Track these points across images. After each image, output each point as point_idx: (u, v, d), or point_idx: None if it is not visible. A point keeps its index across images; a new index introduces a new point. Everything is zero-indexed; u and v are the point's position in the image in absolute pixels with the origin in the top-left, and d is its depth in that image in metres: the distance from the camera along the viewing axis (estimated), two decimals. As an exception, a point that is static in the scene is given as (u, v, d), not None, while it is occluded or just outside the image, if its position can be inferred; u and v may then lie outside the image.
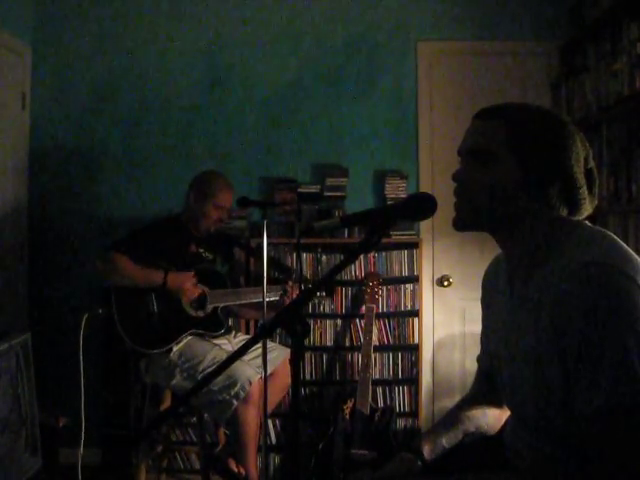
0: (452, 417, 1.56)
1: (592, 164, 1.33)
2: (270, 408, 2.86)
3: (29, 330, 3.24)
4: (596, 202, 1.35)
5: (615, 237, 1.28)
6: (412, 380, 3.45)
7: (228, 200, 3.00)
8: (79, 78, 3.68)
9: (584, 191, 1.31)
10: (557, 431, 1.25)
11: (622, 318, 1.12)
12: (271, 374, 2.84)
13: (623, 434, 1.10)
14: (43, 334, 3.39)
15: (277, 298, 3.01)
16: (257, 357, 2.76)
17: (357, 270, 3.46)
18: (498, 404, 1.56)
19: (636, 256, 1.23)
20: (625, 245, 1.26)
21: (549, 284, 1.23)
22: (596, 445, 1.13)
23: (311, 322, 3.43)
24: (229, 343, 3.01)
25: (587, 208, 1.34)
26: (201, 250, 3.05)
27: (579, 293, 1.16)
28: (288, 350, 2.89)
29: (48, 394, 3.30)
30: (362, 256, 3.41)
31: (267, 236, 2.73)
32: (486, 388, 1.58)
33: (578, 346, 1.15)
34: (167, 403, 3.04)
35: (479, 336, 1.61)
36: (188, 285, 2.87)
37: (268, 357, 2.69)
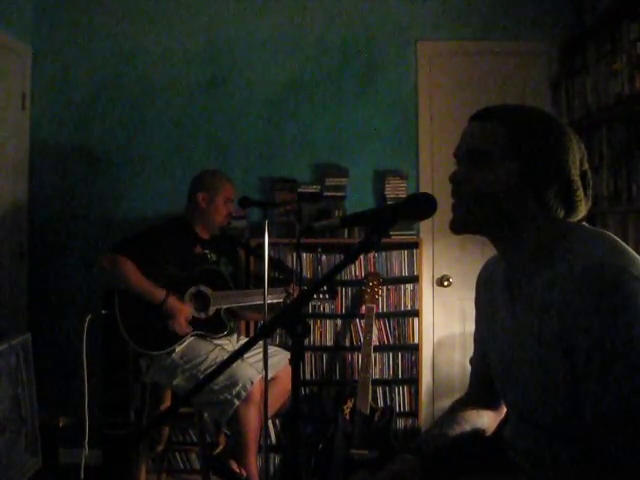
0: (449, 418, 1.56)
1: (586, 166, 1.33)
2: (271, 412, 2.86)
3: (29, 330, 3.24)
4: (590, 204, 1.35)
5: (616, 237, 1.28)
6: (412, 380, 3.45)
7: (233, 192, 3.08)
8: (79, 78, 3.68)
9: (581, 193, 1.31)
10: (563, 431, 1.25)
11: (632, 319, 1.12)
12: (273, 378, 2.84)
13: (634, 435, 1.10)
14: (43, 334, 3.39)
15: (280, 300, 3.01)
16: (259, 361, 2.76)
17: (357, 270, 3.46)
18: (493, 406, 1.56)
19: (638, 256, 1.23)
20: (626, 245, 1.26)
21: (554, 286, 1.23)
22: (606, 446, 1.13)
23: (311, 322, 3.43)
24: (231, 344, 3.02)
25: (583, 210, 1.34)
26: (206, 251, 3.06)
27: (588, 295, 1.16)
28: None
29: (48, 394, 3.30)
30: (362, 256, 3.41)
31: (268, 236, 2.73)
32: (481, 390, 1.58)
33: (588, 347, 1.15)
34: (167, 403, 3.04)
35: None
36: (181, 319, 2.86)
37: (270, 361, 2.70)
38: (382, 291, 3.35)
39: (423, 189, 3.55)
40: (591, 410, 1.15)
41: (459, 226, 1.34)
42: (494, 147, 1.28)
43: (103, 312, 2.82)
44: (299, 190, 3.56)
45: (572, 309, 1.18)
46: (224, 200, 3.03)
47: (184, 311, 2.87)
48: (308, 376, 3.44)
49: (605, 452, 1.14)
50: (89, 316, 2.79)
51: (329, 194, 3.56)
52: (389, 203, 3.48)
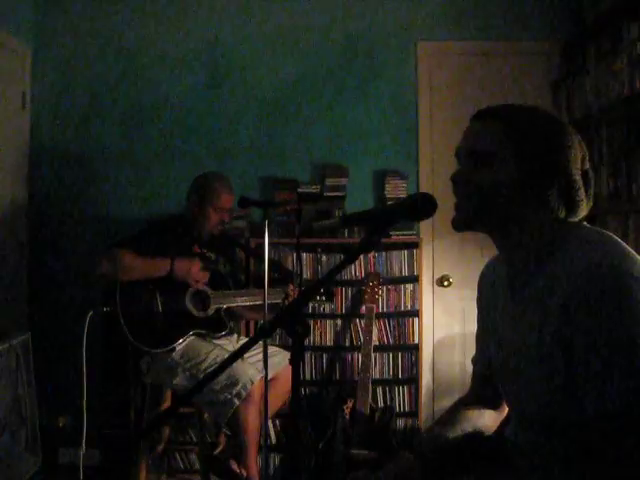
0: (450, 417, 1.56)
1: (588, 165, 1.34)
2: (271, 412, 2.86)
3: (29, 330, 3.25)
4: (591, 204, 1.35)
5: (616, 237, 1.28)
6: (412, 380, 3.45)
7: (228, 202, 3.00)
8: (79, 78, 3.68)
9: (582, 192, 1.31)
10: (562, 431, 1.25)
11: (631, 319, 1.12)
12: (273, 378, 2.84)
13: (633, 435, 1.11)
14: (43, 334, 3.39)
15: (279, 301, 3.01)
16: (259, 361, 2.76)
17: (357, 270, 3.46)
18: (494, 405, 1.56)
19: (638, 256, 1.23)
20: (627, 245, 1.26)
21: (555, 286, 1.23)
22: (605, 445, 1.13)
23: (311, 322, 3.43)
24: (231, 344, 3.02)
25: (584, 209, 1.34)
26: (204, 250, 3.06)
27: (587, 294, 1.16)
28: (290, 354, 2.88)
29: (48, 394, 3.31)
30: (362, 256, 3.41)
31: (268, 236, 2.73)
32: (483, 390, 1.58)
33: (587, 347, 1.15)
34: (167, 403, 3.04)
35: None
36: (195, 270, 2.88)
37: (270, 362, 2.70)
38: (382, 291, 3.35)
39: (423, 189, 3.55)
40: (591, 409, 1.15)
41: (461, 224, 1.34)
42: (495, 147, 1.29)
43: (105, 309, 2.82)
44: (299, 190, 3.55)
45: (572, 308, 1.18)
46: (214, 209, 2.97)
47: (193, 264, 2.88)
48: (308, 376, 3.44)
49: (604, 451, 1.14)
50: (90, 313, 2.79)
51: (329, 194, 3.56)
52: (389, 203, 3.48)
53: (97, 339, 3.17)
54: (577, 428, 1.20)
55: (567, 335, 1.19)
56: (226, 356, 2.73)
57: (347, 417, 3.13)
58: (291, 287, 3.03)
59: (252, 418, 2.77)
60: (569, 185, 1.29)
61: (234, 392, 2.71)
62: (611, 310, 1.13)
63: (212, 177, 3.05)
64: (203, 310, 2.95)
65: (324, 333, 3.46)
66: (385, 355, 3.45)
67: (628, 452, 1.11)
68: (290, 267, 3.40)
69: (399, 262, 3.48)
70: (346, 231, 3.51)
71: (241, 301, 3.01)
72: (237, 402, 2.71)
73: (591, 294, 1.15)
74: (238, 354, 1.17)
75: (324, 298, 3.14)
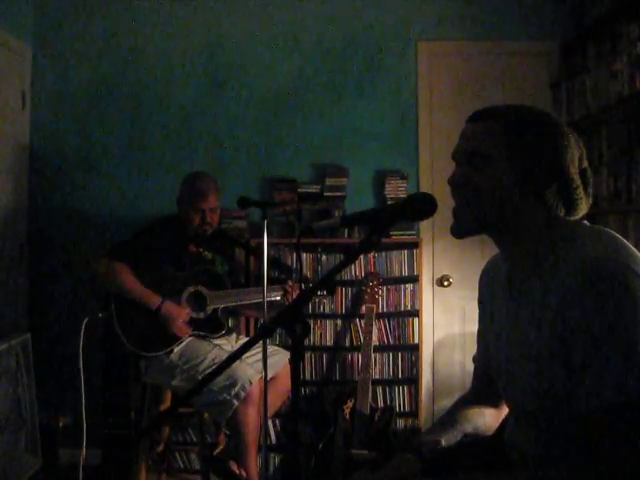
0: (450, 417, 1.56)
1: (586, 164, 1.34)
2: (271, 412, 2.86)
3: (29, 330, 3.25)
4: (591, 202, 1.35)
5: (616, 234, 1.28)
6: (412, 380, 3.45)
7: (208, 202, 2.95)
8: (79, 78, 3.68)
9: (580, 191, 1.31)
10: (560, 428, 1.25)
11: (630, 313, 1.13)
12: (272, 378, 2.84)
13: (631, 429, 1.11)
14: (43, 334, 3.39)
15: (278, 298, 3.00)
16: (258, 361, 2.76)
17: (357, 270, 3.46)
18: (495, 404, 1.56)
19: (638, 252, 1.23)
20: (627, 241, 1.26)
21: (553, 283, 1.24)
22: (603, 441, 1.13)
23: (311, 322, 3.43)
24: (229, 344, 3.01)
25: (583, 208, 1.34)
26: (200, 250, 3.05)
27: (586, 289, 1.16)
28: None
29: (48, 394, 3.31)
30: (362, 256, 3.41)
31: (267, 236, 2.72)
32: (483, 388, 1.58)
33: (586, 342, 1.16)
34: (167, 403, 3.05)
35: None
36: (179, 322, 2.85)
37: (270, 361, 2.69)
38: (382, 291, 3.35)
39: (423, 189, 3.55)
40: (589, 404, 1.15)
41: (460, 231, 1.35)
42: (491, 148, 1.29)
43: (100, 315, 2.83)
44: (299, 190, 3.55)
45: (570, 304, 1.18)
46: (195, 209, 2.94)
47: (181, 314, 2.86)
48: (308, 376, 3.44)
49: (602, 445, 1.14)
50: (86, 319, 2.80)
51: (329, 194, 3.56)
52: (389, 203, 3.48)
53: (97, 339, 3.17)
54: (575, 423, 1.20)
55: (565, 330, 1.19)
56: (224, 356, 2.72)
57: (347, 417, 3.13)
58: (289, 283, 3.03)
59: (251, 418, 2.77)
60: (567, 184, 1.29)
61: (233, 393, 2.70)
62: (608, 305, 1.14)
63: (192, 177, 3.05)
64: (201, 311, 2.94)
65: (324, 333, 3.46)
66: (385, 355, 3.45)
67: (625, 446, 1.11)
68: (288, 264, 3.40)
69: (399, 262, 3.48)
70: (346, 231, 3.51)
71: (238, 301, 3.00)
72: (236, 403, 2.71)
73: (588, 289, 1.16)
74: (238, 354, 1.17)
75: (325, 292, 3.14)
